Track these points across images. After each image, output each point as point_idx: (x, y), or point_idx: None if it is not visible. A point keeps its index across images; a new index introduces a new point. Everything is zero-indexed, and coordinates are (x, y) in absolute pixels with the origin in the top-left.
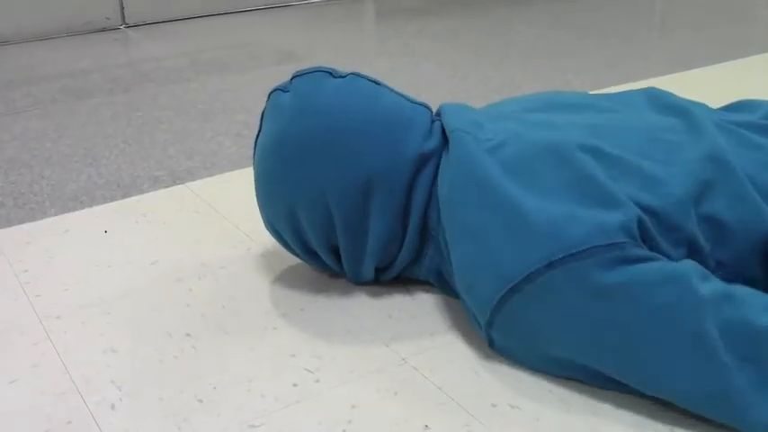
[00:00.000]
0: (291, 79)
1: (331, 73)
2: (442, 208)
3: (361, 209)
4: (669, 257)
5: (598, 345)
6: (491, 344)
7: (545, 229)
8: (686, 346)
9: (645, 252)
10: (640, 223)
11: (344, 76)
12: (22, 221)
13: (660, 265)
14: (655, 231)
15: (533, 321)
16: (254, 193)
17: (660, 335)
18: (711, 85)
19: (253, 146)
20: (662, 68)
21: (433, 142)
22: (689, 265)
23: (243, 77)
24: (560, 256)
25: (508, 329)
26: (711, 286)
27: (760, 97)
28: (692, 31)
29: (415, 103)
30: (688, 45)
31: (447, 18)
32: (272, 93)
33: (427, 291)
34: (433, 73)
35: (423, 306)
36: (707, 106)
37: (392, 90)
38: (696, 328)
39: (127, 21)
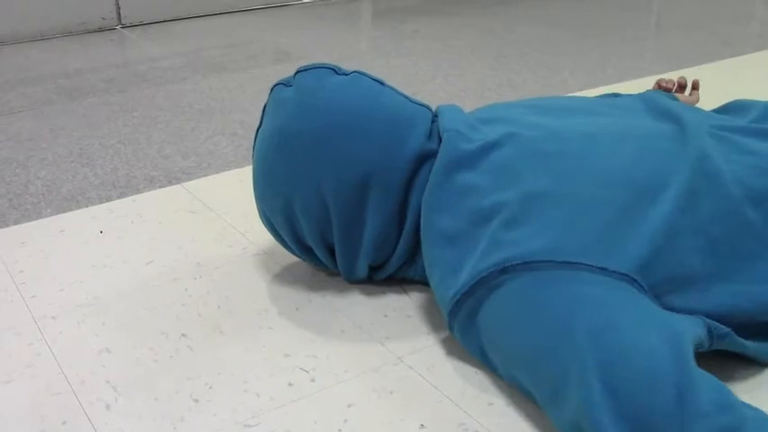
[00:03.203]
0: (295, 74)
1: (335, 70)
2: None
3: (358, 206)
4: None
5: (517, 356)
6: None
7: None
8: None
9: (597, 278)
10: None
11: (348, 74)
12: (17, 222)
13: (603, 295)
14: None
15: (481, 326)
16: (249, 194)
17: (563, 363)
18: (707, 84)
19: (249, 145)
20: (658, 67)
21: (434, 143)
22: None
23: (239, 77)
24: (514, 263)
25: (464, 332)
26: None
27: (755, 96)
28: (688, 30)
29: (417, 104)
30: (684, 43)
31: (443, 17)
32: (275, 86)
33: (422, 290)
34: (430, 72)
35: (418, 305)
36: (700, 111)
37: (395, 90)
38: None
39: (123, 21)
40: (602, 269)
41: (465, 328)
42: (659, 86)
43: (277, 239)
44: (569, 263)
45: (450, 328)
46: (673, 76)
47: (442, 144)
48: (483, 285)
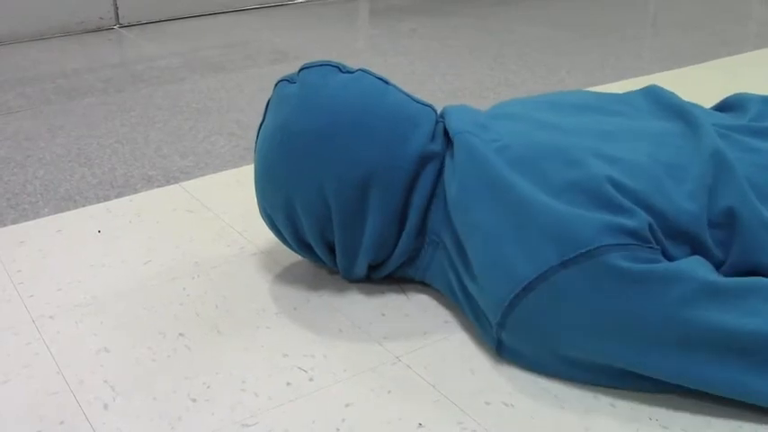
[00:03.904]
0: (300, 71)
1: (339, 68)
2: (451, 210)
3: (359, 204)
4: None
5: (611, 336)
6: (499, 347)
7: (555, 228)
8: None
9: (653, 255)
10: (650, 228)
11: (353, 72)
12: (15, 221)
13: (667, 264)
14: (662, 235)
15: (546, 321)
16: (247, 193)
17: (666, 327)
18: (705, 83)
19: (246, 144)
20: (655, 66)
21: (437, 144)
22: (694, 261)
23: (237, 77)
24: (572, 255)
25: (520, 330)
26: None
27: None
28: (686, 29)
29: (421, 104)
30: (682, 43)
31: (440, 17)
32: (279, 82)
33: (421, 289)
34: (427, 72)
35: (416, 304)
36: (702, 108)
37: (399, 89)
38: (704, 318)
39: (120, 21)
40: (650, 248)
41: (521, 326)
42: None
43: (277, 236)
44: (622, 245)
45: (501, 325)
46: (670, 75)
47: (455, 145)
48: (543, 280)
